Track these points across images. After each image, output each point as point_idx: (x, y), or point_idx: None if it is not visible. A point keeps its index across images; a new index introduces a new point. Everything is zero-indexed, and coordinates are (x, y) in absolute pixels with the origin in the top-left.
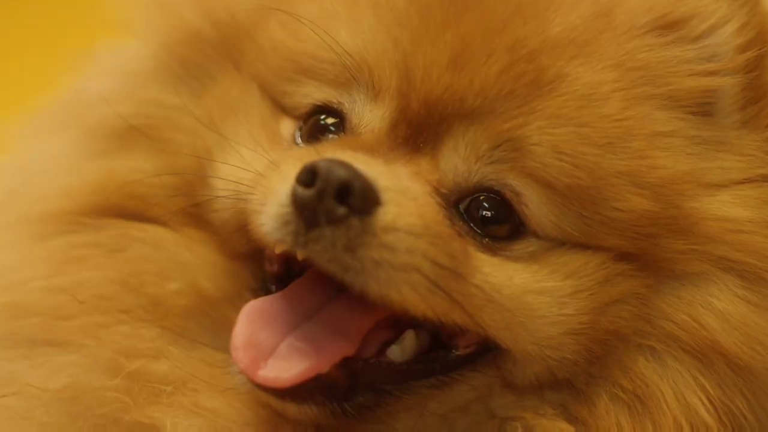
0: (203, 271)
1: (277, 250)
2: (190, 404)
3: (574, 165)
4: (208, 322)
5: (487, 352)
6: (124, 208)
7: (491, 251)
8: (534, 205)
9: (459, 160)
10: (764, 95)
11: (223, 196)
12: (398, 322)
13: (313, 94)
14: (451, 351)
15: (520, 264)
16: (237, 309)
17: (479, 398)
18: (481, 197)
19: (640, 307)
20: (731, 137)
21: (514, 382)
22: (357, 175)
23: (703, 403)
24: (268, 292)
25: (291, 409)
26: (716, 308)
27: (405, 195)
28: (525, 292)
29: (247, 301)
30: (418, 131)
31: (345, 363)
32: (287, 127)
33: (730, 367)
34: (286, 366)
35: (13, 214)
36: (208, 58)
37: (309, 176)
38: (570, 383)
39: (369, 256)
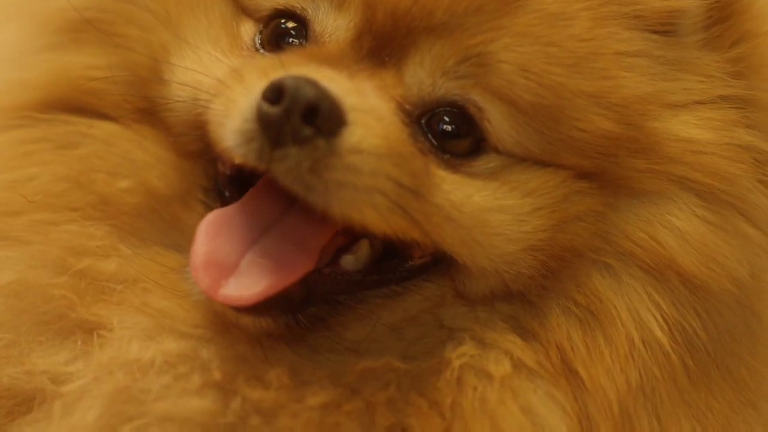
0: (154, 168)
1: (238, 161)
2: (138, 303)
3: (539, 84)
4: (159, 221)
5: (441, 262)
6: (76, 104)
7: (452, 168)
8: (496, 122)
9: (424, 74)
10: (728, 15)
11: (179, 101)
12: (353, 231)
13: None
14: (406, 261)
15: (480, 181)
16: (187, 207)
17: (430, 308)
18: (444, 111)
19: (598, 225)
20: (694, 57)
21: (466, 294)
22: (325, 95)
23: (656, 320)
24: (219, 194)
25: (246, 321)
26: (674, 226)
27: (371, 115)
28: (484, 210)
29: (197, 199)
30: (383, 44)
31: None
32: (248, 30)
33: (686, 286)
34: (249, 284)
35: None
36: None
37: (275, 93)
38: (523, 296)
39: (333, 177)
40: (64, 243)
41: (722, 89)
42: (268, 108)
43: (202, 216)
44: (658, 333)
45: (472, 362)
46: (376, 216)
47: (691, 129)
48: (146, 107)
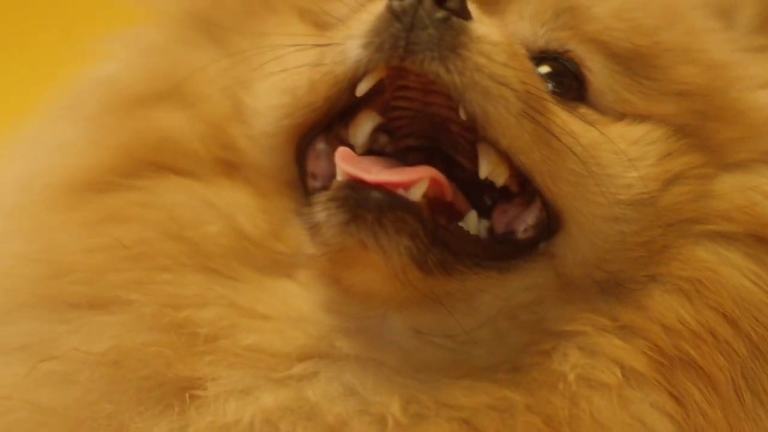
0: (239, 212)
1: (365, 85)
2: (232, 347)
3: (633, 30)
4: (253, 259)
5: (543, 240)
6: (155, 163)
7: (561, 105)
8: (596, 71)
9: (524, 25)
10: None
11: (273, 113)
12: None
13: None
14: (513, 233)
15: (587, 124)
16: (283, 240)
17: (531, 304)
18: (546, 60)
19: (700, 188)
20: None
21: (567, 277)
22: None
23: (759, 287)
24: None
25: (381, 243)
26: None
27: (492, 27)
28: (598, 144)
29: (292, 227)
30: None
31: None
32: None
33: None
34: (396, 172)
35: (41, 189)
36: (232, 14)
37: None
38: (622, 286)
39: (470, 58)
40: (161, 296)
41: None
42: (398, 2)
43: (297, 242)
44: (763, 300)
45: (584, 373)
46: (507, 116)
47: None
48: (225, 157)
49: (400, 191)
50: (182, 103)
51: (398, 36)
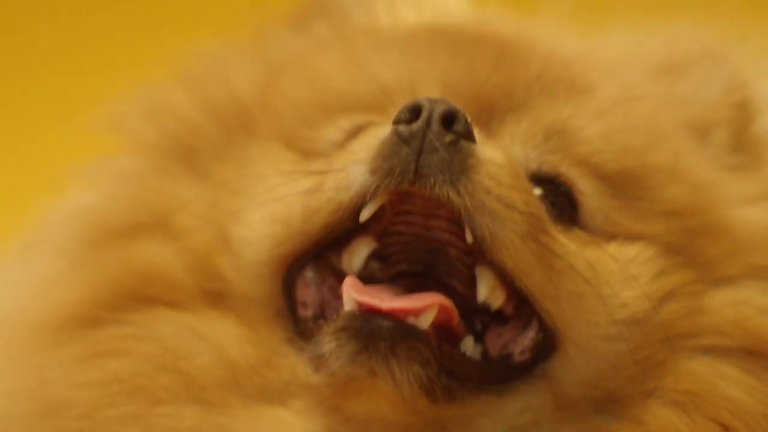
0: (229, 342)
1: (369, 210)
2: None
3: (622, 151)
4: (247, 389)
5: (540, 361)
6: (142, 296)
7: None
8: (587, 194)
9: (515, 149)
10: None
11: (262, 242)
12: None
13: (344, 125)
14: (510, 357)
15: (582, 245)
16: (275, 368)
17: (528, 426)
18: (538, 183)
19: (693, 304)
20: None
21: (563, 396)
22: (457, 107)
23: (755, 399)
24: (304, 338)
25: (393, 371)
26: (759, 306)
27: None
28: (596, 264)
29: (284, 356)
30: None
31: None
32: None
33: None
34: (406, 299)
35: (26, 327)
36: (212, 142)
37: (411, 113)
38: (619, 402)
39: (480, 181)
40: (159, 429)
41: None
42: (405, 127)
43: (291, 371)
44: (759, 411)
45: None
46: (514, 237)
47: (757, 217)
48: (212, 288)
49: (410, 319)
50: (166, 235)
51: (408, 160)
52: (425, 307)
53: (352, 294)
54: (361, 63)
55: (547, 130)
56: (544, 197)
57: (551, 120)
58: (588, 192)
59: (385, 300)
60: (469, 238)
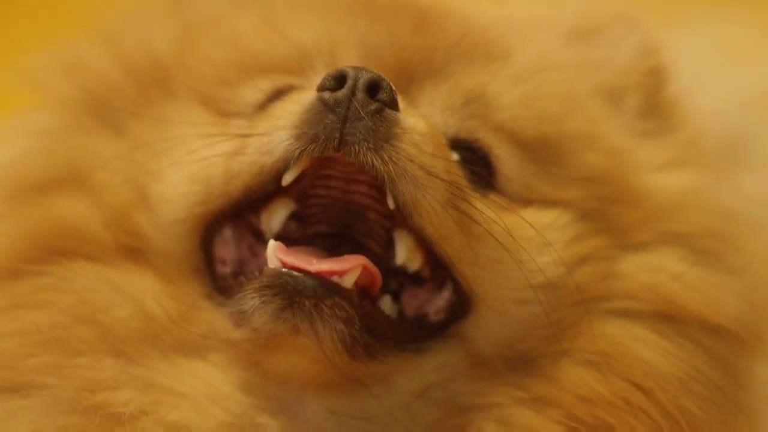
0: (148, 296)
1: (291, 175)
2: (157, 425)
3: (539, 118)
4: (166, 343)
5: (455, 322)
6: (60, 249)
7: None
8: (504, 159)
9: (434, 113)
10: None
11: (181, 201)
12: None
13: (264, 87)
14: (425, 317)
15: (499, 210)
16: (193, 323)
17: (444, 382)
18: (457, 149)
19: (607, 268)
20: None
21: (478, 355)
22: (382, 76)
23: (668, 361)
24: (223, 293)
25: (316, 328)
26: (671, 272)
27: (416, 116)
28: (513, 230)
29: (203, 310)
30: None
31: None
32: (240, 127)
33: (692, 327)
34: (332, 263)
35: None
36: (129, 99)
37: (336, 80)
38: (533, 361)
39: (403, 149)
40: (77, 380)
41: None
42: (330, 94)
43: (209, 326)
44: (672, 373)
45: None
46: (435, 204)
47: (671, 184)
48: (130, 243)
49: (335, 278)
50: (84, 191)
51: (333, 127)
52: (349, 268)
53: (280, 257)
54: (280, 25)
55: (465, 96)
56: (462, 163)
57: (470, 86)
58: (505, 158)
59: (313, 263)
60: (391, 204)
